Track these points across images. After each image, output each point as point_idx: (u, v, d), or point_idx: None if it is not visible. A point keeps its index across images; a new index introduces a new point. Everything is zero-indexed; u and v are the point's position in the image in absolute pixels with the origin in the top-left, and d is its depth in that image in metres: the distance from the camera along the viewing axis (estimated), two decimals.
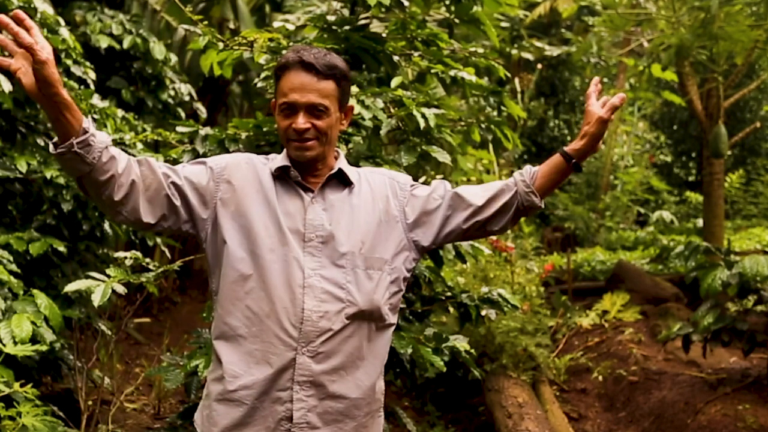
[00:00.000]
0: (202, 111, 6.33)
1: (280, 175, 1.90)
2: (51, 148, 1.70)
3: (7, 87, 3.86)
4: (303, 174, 1.92)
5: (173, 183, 1.84)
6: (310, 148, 1.86)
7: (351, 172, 1.96)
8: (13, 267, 3.37)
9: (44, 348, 2.95)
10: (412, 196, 1.99)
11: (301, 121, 1.84)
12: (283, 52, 3.09)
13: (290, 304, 1.81)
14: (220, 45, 3.27)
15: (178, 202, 1.84)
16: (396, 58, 3.28)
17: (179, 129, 3.24)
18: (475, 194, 1.99)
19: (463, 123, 3.46)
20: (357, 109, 2.75)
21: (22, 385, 2.78)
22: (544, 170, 1.97)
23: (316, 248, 1.85)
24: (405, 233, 1.96)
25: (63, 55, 4.35)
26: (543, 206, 1.99)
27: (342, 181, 1.94)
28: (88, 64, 4.59)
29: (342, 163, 1.95)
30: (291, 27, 3.49)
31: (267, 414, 1.81)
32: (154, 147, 5.21)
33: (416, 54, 3.30)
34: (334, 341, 1.83)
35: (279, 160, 1.93)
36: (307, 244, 1.85)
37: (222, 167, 1.89)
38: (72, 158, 1.70)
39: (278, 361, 1.80)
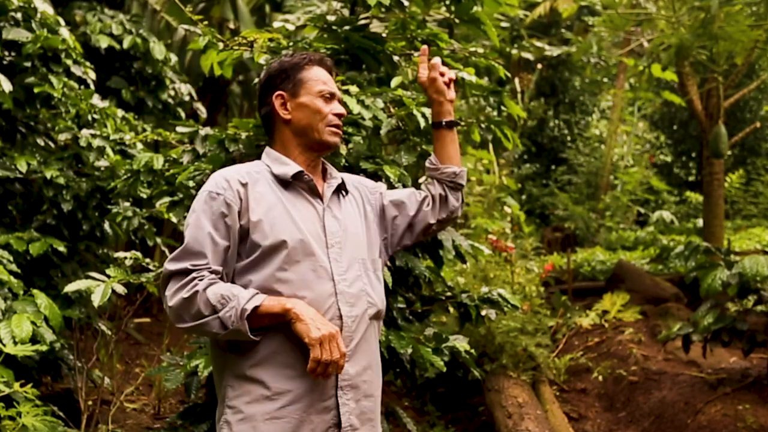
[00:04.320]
0: (202, 111, 6.33)
1: (290, 183, 1.91)
2: (251, 335, 1.74)
3: (7, 87, 3.86)
4: (306, 167, 1.96)
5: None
6: (341, 135, 2.00)
7: (339, 176, 2.05)
8: (13, 267, 3.38)
9: (44, 348, 2.95)
10: (380, 199, 2.11)
11: (342, 109, 2.00)
12: (284, 52, 3.09)
13: (326, 312, 1.82)
14: (220, 45, 3.26)
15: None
16: (396, 58, 3.28)
17: (179, 129, 3.24)
18: (404, 194, 2.15)
19: (463, 123, 3.46)
20: (357, 109, 2.75)
21: (22, 385, 2.78)
22: (435, 149, 2.18)
23: (337, 254, 1.88)
24: (380, 235, 2.08)
25: (63, 55, 4.35)
26: (459, 171, 2.15)
27: (339, 190, 2.02)
28: (88, 64, 4.59)
29: (336, 172, 2.04)
30: (291, 27, 3.49)
31: (315, 426, 1.81)
32: (154, 147, 5.21)
33: (416, 54, 3.30)
34: (362, 342, 1.88)
35: (283, 166, 1.92)
36: (330, 250, 1.88)
37: (239, 208, 1.84)
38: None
39: None
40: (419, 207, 2.11)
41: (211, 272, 1.79)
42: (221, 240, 1.81)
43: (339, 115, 1.98)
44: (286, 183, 1.91)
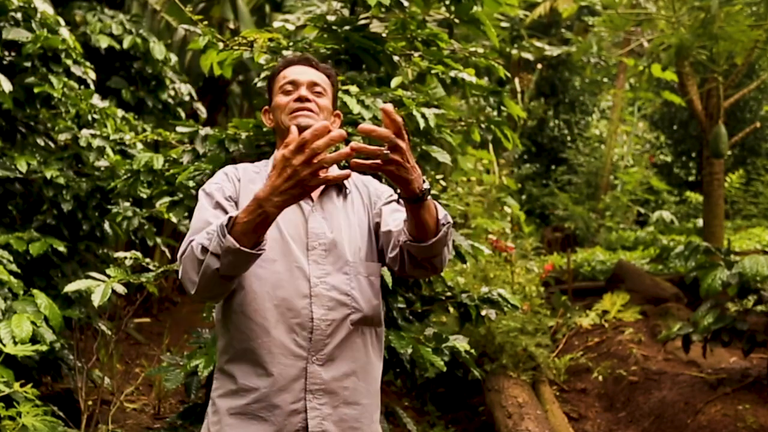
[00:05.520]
0: (202, 111, 6.33)
1: None
2: (247, 249, 1.60)
3: (7, 87, 3.86)
4: None
5: None
6: (310, 116, 1.90)
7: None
8: (13, 267, 3.38)
9: (44, 348, 2.95)
10: (383, 209, 1.97)
11: (305, 91, 1.93)
12: (284, 52, 3.09)
13: (298, 314, 1.80)
14: (220, 45, 3.27)
15: None
16: (396, 58, 3.28)
17: (179, 129, 3.24)
18: (395, 220, 1.90)
19: (463, 123, 3.46)
20: (357, 109, 2.75)
21: (22, 385, 2.78)
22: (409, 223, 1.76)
23: (320, 256, 1.85)
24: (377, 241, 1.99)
25: (63, 55, 4.35)
26: (427, 243, 1.71)
27: (338, 188, 1.96)
28: (88, 64, 4.59)
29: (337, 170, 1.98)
30: (291, 27, 3.50)
31: (280, 427, 1.79)
32: (154, 147, 5.22)
33: (416, 54, 3.30)
34: (342, 348, 1.84)
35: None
36: (311, 252, 1.85)
37: (236, 197, 1.88)
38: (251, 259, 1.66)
39: (289, 372, 1.79)
40: (393, 240, 1.84)
41: None
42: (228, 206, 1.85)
43: (301, 98, 1.92)
44: None
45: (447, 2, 3.49)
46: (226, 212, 1.80)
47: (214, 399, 1.87)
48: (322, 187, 1.91)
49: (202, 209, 1.85)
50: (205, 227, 1.73)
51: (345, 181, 1.96)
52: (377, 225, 1.95)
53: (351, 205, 1.96)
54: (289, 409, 1.79)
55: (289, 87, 1.94)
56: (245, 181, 1.91)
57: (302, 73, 1.96)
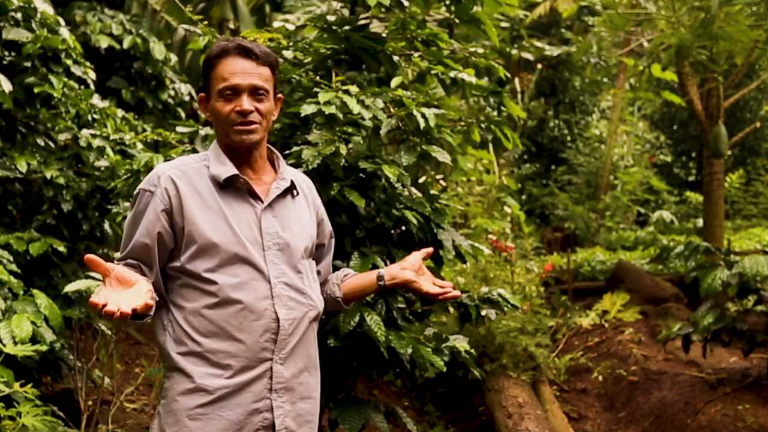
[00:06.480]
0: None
1: (225, 184, 1.85)
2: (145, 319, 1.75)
3: (7, 87, 3.86)
4: (242, 166, 1.88)
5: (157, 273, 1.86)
6: (254, 131, 1.84)
7: (289, 176, 1.96)
8: (13, 267, 3.38)
9: (44, 348, 2.95)
10: (322, 219, 2.08)
11: (246, 103, 1.82)
12: (284, 52, 3.09)
13: (261, 315, 1.80)
14: None
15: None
16: (396, 58, 3.28)
17: (179, 129, 3.24)
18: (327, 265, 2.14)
19: (463, 123, 3.46)
20: (357, 109, 2.75)
21: (22, 385, 2.78)
22: (356, 277, 2.10)
23: (275, 256, 1.84)
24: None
25: (63, 55, 4.35)
26: (345, 307, 2.13)
27: (287, 189, 1.93)
28: (88, 64, 4.59)
29: (287, 171, 1.95)
30: (291, 27, 3.49)
31: (242, 426, 1.79)
32: (154, 147, 5.22)
33: (416, 54, 3.30)
34: (299, 345, 1.86)
35: (220, 167, 1.86)
36: (267, 252, 1.84)
37: (168, 207, 1.82)
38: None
39: (252, 372, 1.79)
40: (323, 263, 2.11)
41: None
42: (149, 239, 1.83)
43: (243, 112, 1.81)
44: (223, 185, 1.86)
45: (447, 2, 3.49)
46: (160, 226, 1.82)
47: (168, 398, 1.82)
48: (279, 191, 1.90)
49: (133, 217, 1.87)
50: (134, 242, 1.85)
51: (294, 182, 1.95)
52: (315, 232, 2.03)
53: (300, 205, 1.97)
54: (251, 408, 1.79)
55: (228, 93, 1.82)
56: (188, 180, 1.85)
57: (243, 75, 1.82)
